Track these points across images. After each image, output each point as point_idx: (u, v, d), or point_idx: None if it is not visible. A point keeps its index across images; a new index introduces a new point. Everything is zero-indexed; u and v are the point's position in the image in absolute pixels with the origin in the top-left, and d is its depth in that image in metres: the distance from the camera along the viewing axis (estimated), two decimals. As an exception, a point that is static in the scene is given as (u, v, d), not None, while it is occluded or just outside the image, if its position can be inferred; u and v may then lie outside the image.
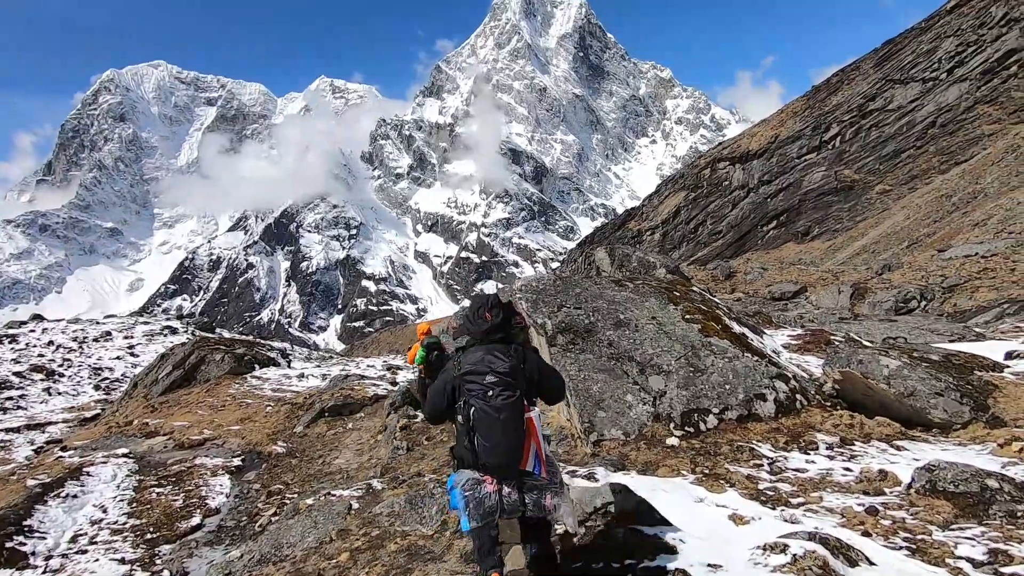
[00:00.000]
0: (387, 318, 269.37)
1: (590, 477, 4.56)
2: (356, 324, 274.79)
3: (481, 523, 2.94)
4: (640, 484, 4.13)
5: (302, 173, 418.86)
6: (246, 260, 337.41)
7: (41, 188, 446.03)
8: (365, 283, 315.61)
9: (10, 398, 17.24)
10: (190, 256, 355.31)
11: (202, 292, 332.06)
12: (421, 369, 8.63)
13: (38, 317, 35.37)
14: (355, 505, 4.68)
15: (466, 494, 2.96)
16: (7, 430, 13.51)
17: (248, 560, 4.35)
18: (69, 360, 24.75)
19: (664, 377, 5.78)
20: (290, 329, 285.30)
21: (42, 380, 19.89)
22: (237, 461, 8.25)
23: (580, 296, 6.85)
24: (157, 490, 7.14)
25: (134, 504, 6.78)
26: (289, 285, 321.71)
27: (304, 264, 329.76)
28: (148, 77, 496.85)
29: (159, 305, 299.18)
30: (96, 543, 5.88)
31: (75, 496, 6.80)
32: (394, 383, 12.20)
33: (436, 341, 8.87)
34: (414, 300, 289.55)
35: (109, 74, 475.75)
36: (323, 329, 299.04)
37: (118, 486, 7.28)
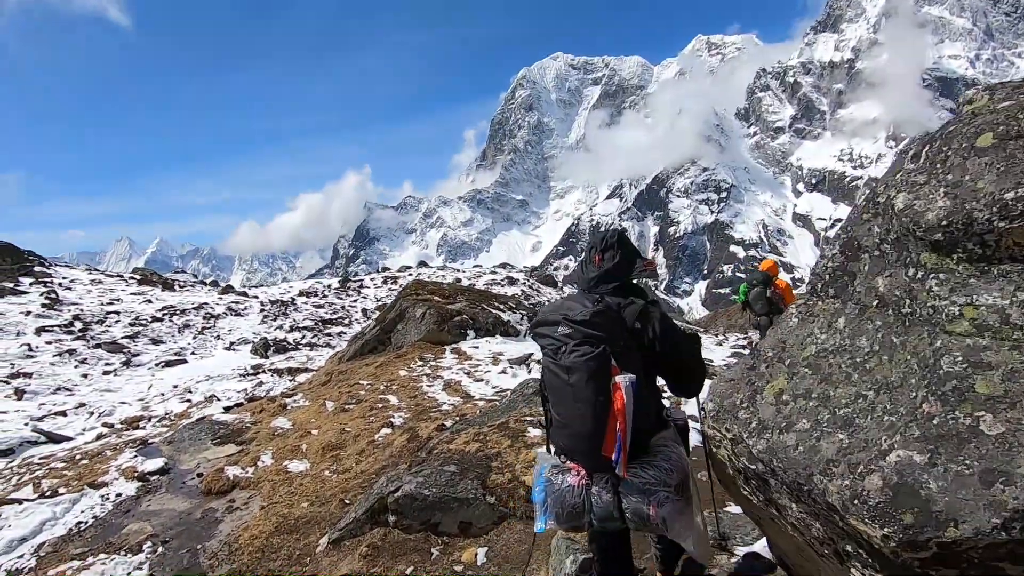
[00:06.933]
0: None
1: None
2: (721, 291, 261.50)
3: (565, 525, 2.15)
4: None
5: (673, 138, 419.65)
6: (620, 225, 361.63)
7: (479, 171, 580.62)
8: (733, 248, 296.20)
9: (292, 345, 16.01)
10: (575, 222, 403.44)
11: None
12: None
13: (406, 268, 41.25)
14: None
15: (547, 485, 2.16)
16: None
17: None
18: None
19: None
20: (656, 292, 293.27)
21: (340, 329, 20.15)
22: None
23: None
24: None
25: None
26: (657, 249, 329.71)
27: (672, 229, 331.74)
28: (549, 69, 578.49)
29: (551, 264, 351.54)
30: None
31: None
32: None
33: (762, 276, 8.72)
34: (789, 268, 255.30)
35: (522, 72, 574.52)
36: (687, 293, 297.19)
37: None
